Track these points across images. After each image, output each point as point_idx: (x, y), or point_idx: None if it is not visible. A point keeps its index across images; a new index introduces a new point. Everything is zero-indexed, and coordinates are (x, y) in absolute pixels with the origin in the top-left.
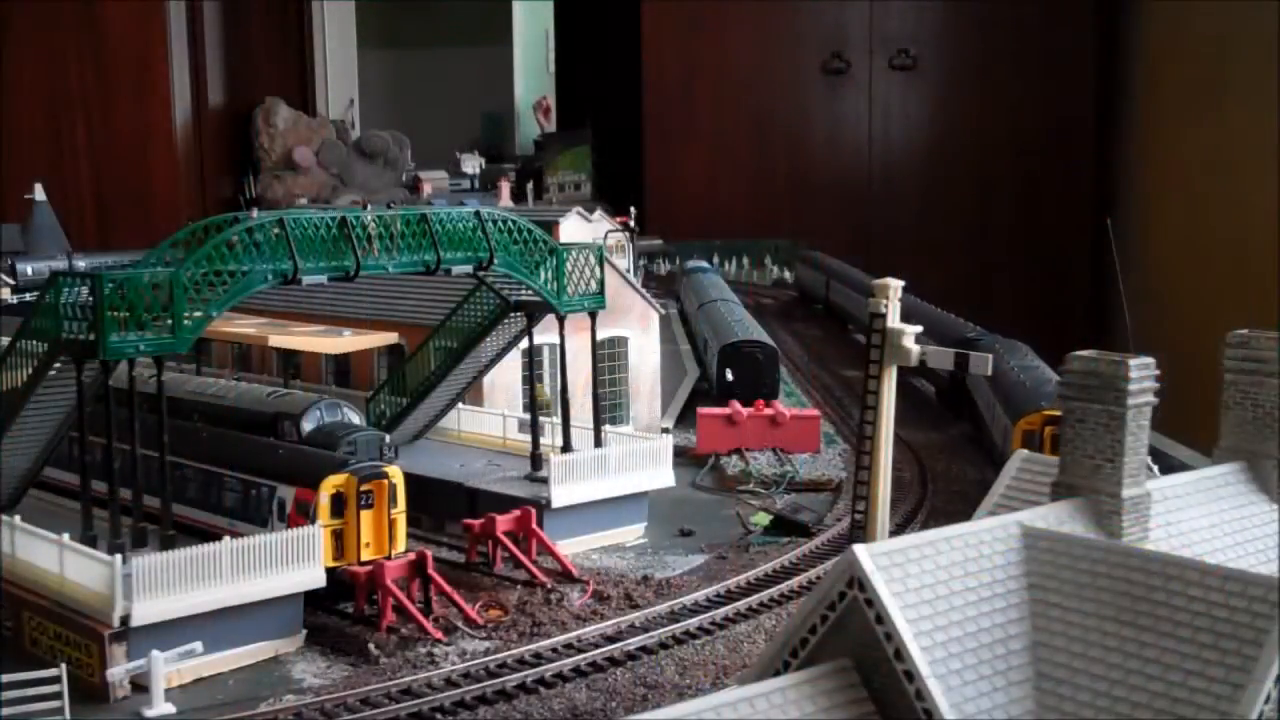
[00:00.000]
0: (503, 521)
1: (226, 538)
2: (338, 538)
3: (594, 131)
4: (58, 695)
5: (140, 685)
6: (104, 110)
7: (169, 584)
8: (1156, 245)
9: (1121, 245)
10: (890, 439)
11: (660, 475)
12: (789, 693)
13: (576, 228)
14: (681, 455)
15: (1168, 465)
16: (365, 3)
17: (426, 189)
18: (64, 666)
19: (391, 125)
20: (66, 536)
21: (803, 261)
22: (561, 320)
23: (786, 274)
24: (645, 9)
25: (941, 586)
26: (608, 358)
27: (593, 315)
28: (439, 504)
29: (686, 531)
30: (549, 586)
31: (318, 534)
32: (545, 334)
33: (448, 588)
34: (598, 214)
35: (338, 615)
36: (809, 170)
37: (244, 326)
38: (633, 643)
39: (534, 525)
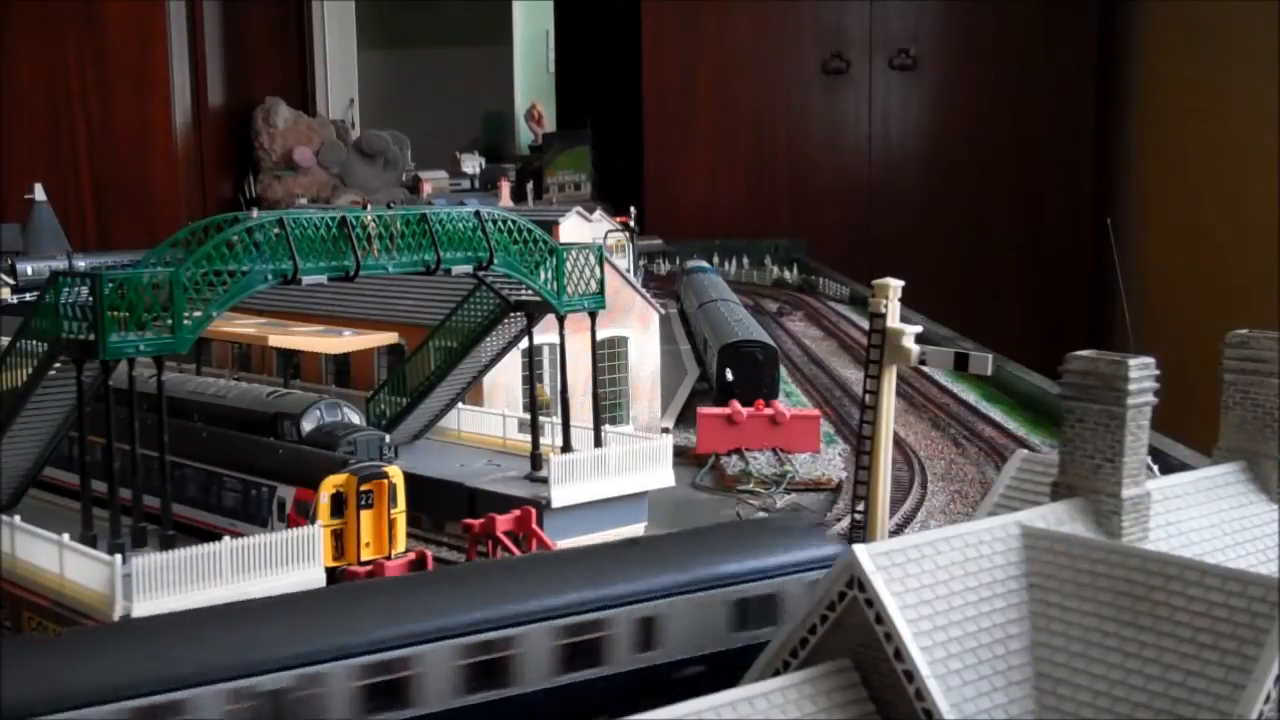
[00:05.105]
0: (503, 521)
1: (226, 537)
2: (338, 538)
3: (594, 131)
4: None
5: None
6: (104, 109)
7: (169, 584)
8: (1156, 245)
9: (1121, 245)
10: (890, 439)
11: (660, 475)
12: (789, 693)
13: (576, 228)
14: (681, 455)
15: (1168, 465)
16: (365, 2)
17: (426, 189)
18: None
19: (391, 125)
20: (66, 536)
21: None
22: (561, 320)
23: (786, 274)
24: (645, 9)
25: (941, 586)
26: (607, 358)
27: (593, 315)
28: (439, 504)
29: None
30: None
31: (318, 534)
32: (545, 334)
33: None
34: (598, 214)
35: None
36: (809, 170)
37: (244, 326)
38: None
39: (534, 525)
